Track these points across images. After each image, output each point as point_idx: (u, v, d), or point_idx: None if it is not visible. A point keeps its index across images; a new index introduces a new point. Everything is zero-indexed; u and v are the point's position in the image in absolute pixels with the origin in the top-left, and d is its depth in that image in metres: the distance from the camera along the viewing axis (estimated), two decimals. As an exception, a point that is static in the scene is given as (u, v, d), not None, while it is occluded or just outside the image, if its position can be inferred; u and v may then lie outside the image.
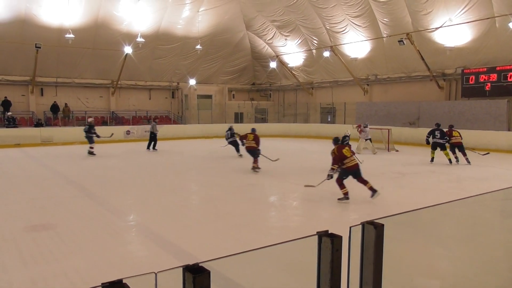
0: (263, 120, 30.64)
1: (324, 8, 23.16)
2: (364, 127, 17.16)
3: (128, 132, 22.87)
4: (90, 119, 17.59)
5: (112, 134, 18.55)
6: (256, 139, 12.44)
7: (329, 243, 1.42)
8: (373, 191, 8.33)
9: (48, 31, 22.07)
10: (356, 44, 23.64)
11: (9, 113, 22.03)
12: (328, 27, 24.17)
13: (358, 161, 8.69)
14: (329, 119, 28.08)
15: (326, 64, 26.41)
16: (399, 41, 20.00)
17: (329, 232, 1.46)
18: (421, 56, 20.29)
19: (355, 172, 8.42)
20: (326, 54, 24.64)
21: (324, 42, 25.08)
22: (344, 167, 8.32)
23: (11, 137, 19.93)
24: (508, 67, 18.14)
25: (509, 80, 17.97)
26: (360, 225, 1.57)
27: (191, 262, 4.37)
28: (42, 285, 4.41)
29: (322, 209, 8.15)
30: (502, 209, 3.73)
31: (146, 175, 12.03)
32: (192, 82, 28.72)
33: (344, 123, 25.33)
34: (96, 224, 6.80)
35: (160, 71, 27.97)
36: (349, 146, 9.75)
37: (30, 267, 4.92)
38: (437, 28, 19.58)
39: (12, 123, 21.45)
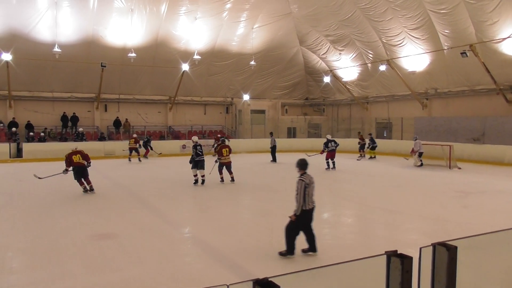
0: (317, 135, 30.35)
1: (380, 21, 22.73)
2: (415, 140, 17.58)
3: (184, 146, 23.61)
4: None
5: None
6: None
7: (399, 264, 1.37)
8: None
9: (112, 51, 23.55)
10: (414, 57, 22.89)
11: (80, 129, 23.71)
12: (384, 40, 23.65)
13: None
14: (385, 134, 27.26)
15: (382, 78, 25.78)
16: (461, 53, 19.10)
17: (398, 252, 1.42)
18: (486, 68, 19.21)
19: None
20: (382, 68, 24.08)
21: (380, 55, 24.55)
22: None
23: (78, 150, 21.34)
24: None
25: None
26: (431, 246, 1.50)
27: (246, 276, 4.39)
28: (105, 292, 4.63)
29: (377, 227, 7.88)
30: None
31: (201, 188, 12.31)
32: (246, 97, 29.22)
33: (402, 139, 24.47)
34: (154, 235, 7.05)
35: (215, 87, 28.77)
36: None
37: (96, 274, 5.19)
38: (504, 39, 18.48)
39: (81, 138, 23.01)
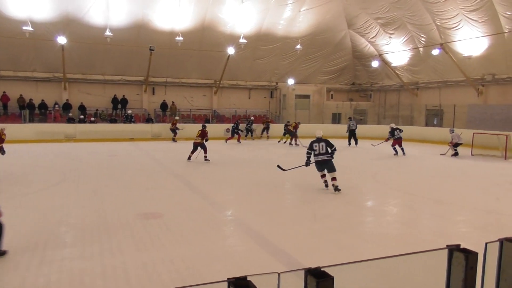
0: (363, 121, 29.57)
1: (435, 3, 21.52)
2: (452, 132, 17.05)
3: (228, 130, 23.82)
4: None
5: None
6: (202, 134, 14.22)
7: (462, 259, 1.26)
8: None
9: (160, 35, 24.00)
10: (471, 40, 21.54)
11: (129, 111, 24.61)
12: (438, 23, 22.41)
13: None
14: (435, 122, 26.08)
15: (434, 63, 24.54)
16: (524, 37, 17.77)
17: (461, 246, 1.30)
18: (552, 53, 17.77)
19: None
20: (436, 52, 22.85)
21: (433, 39, 23.32)
22: None
23: (126, 131, 22.21)
24: None
25: None
26: (498, 242, 1.38)
27: (287, 262, 4.35)
28: (151, 269, 4.78)
29: (424, 218, 7.58)
30: None
31: (245, 172, 12.40)
32: (291, 82, 28.89)
33: (454, 127, 23.32)
34: (198, 216, 7.19)
35: (260, 71, 28.67)
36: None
37: (142, 251, 5.37)
38: None
39: (130, 120, 23.89)
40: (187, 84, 27.53)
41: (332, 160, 9.30)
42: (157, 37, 23.83)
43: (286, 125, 22.23)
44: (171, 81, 26.96)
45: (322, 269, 1.09)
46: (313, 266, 1.16)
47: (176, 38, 23.53)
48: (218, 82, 27.47)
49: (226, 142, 21.66)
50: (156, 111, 26.65)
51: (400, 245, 5.79)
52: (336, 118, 29.88)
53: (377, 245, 5.83)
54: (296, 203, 8.92)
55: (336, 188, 9.09)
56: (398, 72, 27.48)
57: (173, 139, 22.14)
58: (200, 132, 14.34)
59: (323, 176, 9.54)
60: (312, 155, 9.47)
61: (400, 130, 16.99)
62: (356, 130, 21.17)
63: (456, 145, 16.54)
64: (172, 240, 5.87)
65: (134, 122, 24.09)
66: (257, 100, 29.95)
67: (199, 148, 14.10)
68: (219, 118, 27.69)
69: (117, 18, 22.59)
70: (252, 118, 25.71)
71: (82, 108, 24.11)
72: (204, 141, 14.11)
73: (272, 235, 6.16)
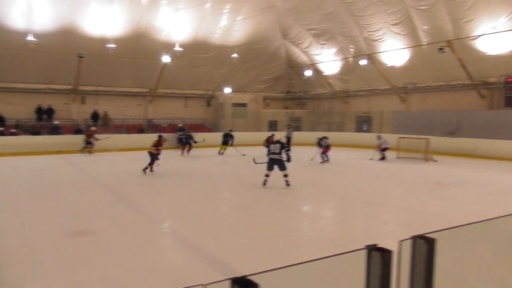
0: (298, 129, 30.44)
1: (362, 16, 22.88)
2: (379, 139, 17.92)
3: (165, 140, 23.24)
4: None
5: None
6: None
7: (379, 258, 1.35)
8: None
9: (90, 41, 22.97)
10: (394, 52, 23.18)
11: (56, 122, 23.12)
12: (365, 35, 23.85)
13: None
14: (365, 128, 27.58)
15: (363, 72, 26.03)
16: (439, 49, 19.46)
17: (377, 246, 1.40)
18: (462, 64, 19.62)
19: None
20: (363, 62, 24.28)
21: (361, 50, 24.75)
22: None
23: (53, 144, 20.64)
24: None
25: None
26: (411, 240, 1.49)
27: (225, 271, 4.34)
28: (81, 288, 4.51)
29: (357, 219, 7.96)
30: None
31: (180, 182, 12.20)
32: (228, 90, 29.03)
33: (381, 132, 24.77)
34: (133, 231, 6.93)
35: (196, 79, 28.47)
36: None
37: (70, 273, 5.00)
38: (479, 36, 18.88)
39: (56, 131, 22.36)
40: (120, 93, 26.57)
41: (284, 160, 10.67)
42: (87, 44, 22.77)
43: (226, 135, 20.77)
44: (102, 90, 25.86)
45: (248, 277, 1.11)
46: (249, 273, 1.18)
47: (107, 45, 22.68)
48: (153, 91, 26.85)
49: (186, 153, 20.39)
50: (87, 121, 25.39)
51: (332, 247, 6.01)
52: (272, 126, 30.49)
53: (312, 249, 6.01)
54: (233, 211, 8.94)
55: (287, 183, 10.52)
56: (330, 81, 28.76)
57: (85, 151, 20.38)
58: (156, 142, 13.92)
59: (268, 176, 10.69)
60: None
61: (326, 138, 17.32)
62: (291, 138, 21.54)
63: (383, 149, 17.64)
64: (104, 258, 5.58)
65: (61, 133, 22.65)
66: (194, 108, 29.68)
67: (155, 157, 13.57)
68: (154, 128, 27.01)
69: (42, 22, 21.26)
70: (180, 125, 24.53)
71: (1, 119, 22.26)
72: (156, 151, 13.62)
73: (209, 245, 6.11)
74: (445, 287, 1.64)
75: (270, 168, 10.71)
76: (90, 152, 20.47)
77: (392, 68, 24.05)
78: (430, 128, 21.12)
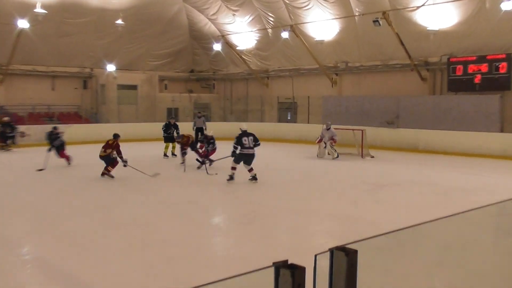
0: (205, 118, 30.48)
1: (282, -23, 23.57)
2: (327, 129, 18.09)
3: (22, 134, 21.87)
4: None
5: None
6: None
7: (289, 276, 1.43)
8: None
9: None
10: (322, 23, 24.19)
11: None
12: (287, 1, 24.57)
13: None
14: (289, 117, 28.50)
15: (285, 47, 26.81)
16: (374, 21, 20.60)
17: (289, 262, 1.47)
18: (400, 41, 21.10)
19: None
20: (285, 35, 24.94)
21: (283, 20, 25.46)
22: None
23: None
24: (500, 56, 19.22)
25: (501, 71, 19.04)
26: (328, 252, 1.60)
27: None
28: None
29: (279, 232, 8.25)
30: (497, 227, 3.95)
31: (45, 193, 11.62)
32: (111, 68, 28.09)
33: (308, 122, 25.80)
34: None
35: (67, 53, 27.16)
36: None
37: None
38: (418, 7, 20.41)
39: None
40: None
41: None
42: None
43: (168, 125, 18.47)
44: None
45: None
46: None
47: None
48: (5, 67, 25.04)
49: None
50: None
51: (252, 267, 6.15)
52: (172, 115, 30.14)
53: (223, 271, 6.10)
54: (120, 229, 8.69)
55: (254, 178, 12.02)
56: (245, 58, 29.19)
57: None
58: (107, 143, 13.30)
59: (234, 168, 12.03)
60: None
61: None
62: (205, 129, 20.47)
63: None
64: None
65: None
66: (64, 92, 28.16)
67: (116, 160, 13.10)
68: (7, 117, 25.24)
69: None
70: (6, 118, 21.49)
71: None
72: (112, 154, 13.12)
73: (86, 275, 5.93)
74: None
75: (239, 161, 12.07)
76: None
77: (320, 43, 25.09)
78: (366, 116, 22.43)
